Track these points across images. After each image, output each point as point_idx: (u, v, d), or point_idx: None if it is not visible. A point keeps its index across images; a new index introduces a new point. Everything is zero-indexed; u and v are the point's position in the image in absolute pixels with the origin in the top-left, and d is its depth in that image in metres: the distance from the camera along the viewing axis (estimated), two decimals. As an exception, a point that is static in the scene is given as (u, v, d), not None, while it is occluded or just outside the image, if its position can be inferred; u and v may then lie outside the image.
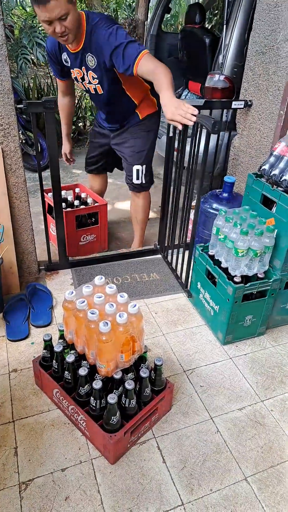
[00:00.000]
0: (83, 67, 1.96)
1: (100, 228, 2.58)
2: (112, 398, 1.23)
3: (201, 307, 1.97)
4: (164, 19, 4.48)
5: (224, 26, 2.75)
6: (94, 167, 2.61)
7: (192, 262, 2.00)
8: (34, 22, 4.52)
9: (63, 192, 2.51)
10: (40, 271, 2.25)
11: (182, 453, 1.36)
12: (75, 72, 2.03)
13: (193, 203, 2.08)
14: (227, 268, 1.74)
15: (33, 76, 4.73)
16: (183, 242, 2.14)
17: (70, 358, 1.37)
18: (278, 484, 1.28)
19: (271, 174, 1.72)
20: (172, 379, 1.63)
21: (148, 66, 1.73)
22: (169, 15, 6.51)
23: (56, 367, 1.45)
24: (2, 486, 1.24)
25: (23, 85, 4.59)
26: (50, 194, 2.20)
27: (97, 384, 1.28)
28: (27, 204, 1.97)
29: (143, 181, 2.33)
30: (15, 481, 1.25)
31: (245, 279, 1.72)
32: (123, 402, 1.31)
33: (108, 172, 2.71)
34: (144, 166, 2.29)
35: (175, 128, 1.71)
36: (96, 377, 1.37)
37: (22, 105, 1.79)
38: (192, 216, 2.06)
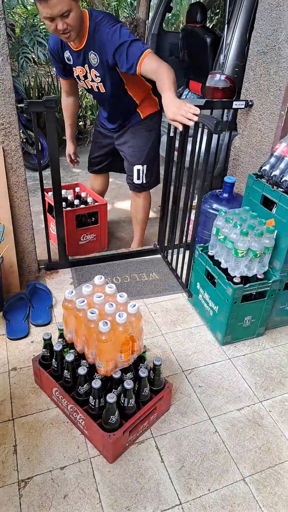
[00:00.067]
0: (86, 65, 1.95)
1: (100, 227, 2.58)
2: (111, 398, 1.24)
3: (200, 308, 1.97)
4: (165, 18, 4.47)
5: (226, 25, 2.76)
6: (97, 168, 2.57)
7: (192, 262, 2.01)
8: (35, 20, 4.50)
9: (63, 191, 2.51)
10: (40, 270, 2.25)
11: (180, 452, 1.36)
12: (78, 70, 2.02)
13: (194, 203, 2.08)
14: (226, 269, 1.75)
15: (34, 75, 4.73)
16: (183, 242, 2.14)
17: (69, 357, 1.37)
18: (276, 485, 1.29)
19: (271, 175, 1.72)
20: (171, 379, 1.63)
21: (152, 66, 1.72)
22: (170, 14, 6.48)
23: (55, 366, 1.45)
24: (1, 483, 1.25)
25: (24, 84, 4.59)
26: (50, 193, 2.19)
27: (96, 384, 1.28)
28: (28, 203, 1.97)
29: (144, 181, 2.32)
30: (14, 479, 1.26)
31: (245, 279, 1.72)
32: (122, 401, 1.31)
33: (110, 172, 2.68)
34: (145, 166, 2.27)
35: (175, 128, 1.71)
36: (95, 376, 1.37)
37: (23, 104, 1.79)
38: (192, 216, 2.06)
